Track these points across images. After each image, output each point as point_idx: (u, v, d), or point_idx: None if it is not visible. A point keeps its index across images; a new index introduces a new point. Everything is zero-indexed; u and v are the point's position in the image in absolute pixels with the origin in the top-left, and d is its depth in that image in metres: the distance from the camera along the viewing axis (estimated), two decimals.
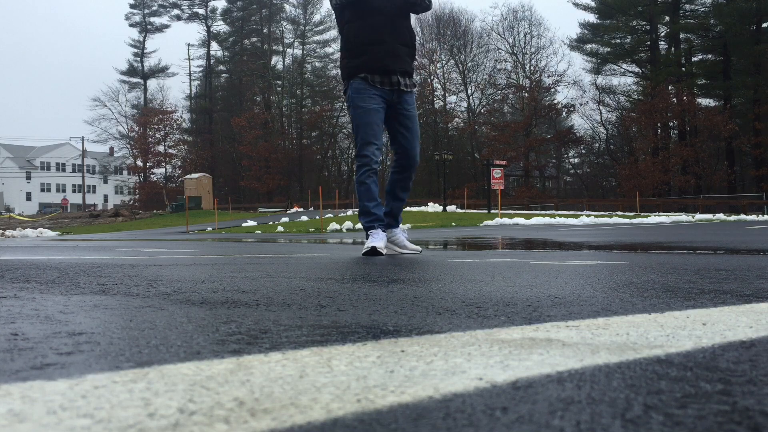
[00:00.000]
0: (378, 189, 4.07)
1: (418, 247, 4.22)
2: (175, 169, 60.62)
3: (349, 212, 25.25)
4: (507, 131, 45.09)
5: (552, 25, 68.32)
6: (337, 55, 45.54)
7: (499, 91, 48.10)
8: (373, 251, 3.71)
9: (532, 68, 47.95)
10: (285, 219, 25.44)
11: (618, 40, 46.95)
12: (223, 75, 64.48)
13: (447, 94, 49.67)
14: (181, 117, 60.37)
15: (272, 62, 58.01)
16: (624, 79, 49.52)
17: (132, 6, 64.81)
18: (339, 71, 4.35)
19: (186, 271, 2.23)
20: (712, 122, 39.63)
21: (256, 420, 0.47)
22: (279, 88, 57.05)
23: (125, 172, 72.40)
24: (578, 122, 67.09)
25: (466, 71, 48.73)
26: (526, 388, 0.57)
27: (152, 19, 65.04)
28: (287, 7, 58.67)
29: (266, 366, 0.66)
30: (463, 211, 26.73)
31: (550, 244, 5.44)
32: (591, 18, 49.44)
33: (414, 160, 4.13)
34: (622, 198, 38.84)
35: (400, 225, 4.26)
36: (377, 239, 3.82)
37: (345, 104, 4.19)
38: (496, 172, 23.35)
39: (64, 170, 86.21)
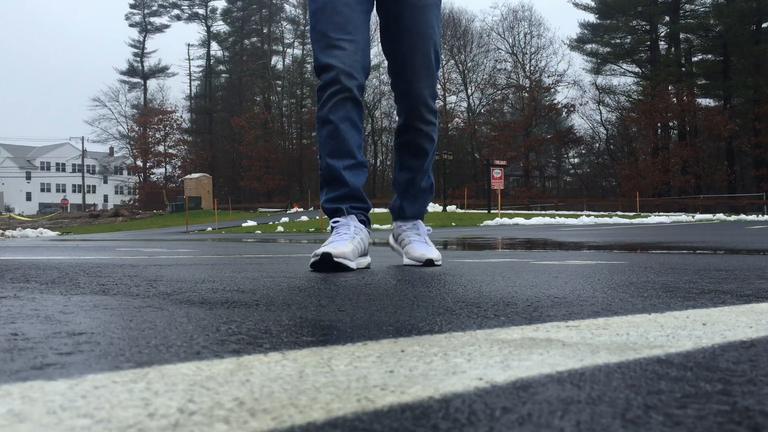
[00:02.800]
0: (361, 134, 2.33)
1: (434, 254, 2.46)
2: (175, 169, 60.67)
3: None
4: (507, 131, 45.12)
5: (552, 25, 68.42)
6: None
7: (499, 91, 48.13)
8: (326, 262, 2.06)
9: (532, 68, 47.99)
10: (285, 219, 25.46)
11: (618, 40, 46.97)
12: (223, 75, 64.54)
13: (447, 94, 49.71)
14: (181, 117, 60.44)
15: (272, 62, 58.03)
16: (624, 79, 49.66)
17: (132, 6, 64.87)
18: None
19: (186, 271, 2.23)
20: (712, 122, 39.65)
21: (256, 420, 0.47)
22: (279, 88, 57.05)
23: (125, 172, 72.47)
24: (578, 122, 67.18)
25: (466, 71, 48.77)
26: (526, 388, 0.57)
27: (152, 19, 65.13)
28: (287, 7, 58.74)
29: (266, 366, 0.66)
30: (463, 211, 26.76)
31: (550, 244, 5.44)
32: (591, 18, 49.53)
33: (410, 91, 2.36)
34: (622, 198, 38.87)
35: (414, 221, 2.60)
36: (338, 241, 2.16)
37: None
38: (496, 172, 23.38)
39: (64, 170, 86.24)
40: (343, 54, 2.20)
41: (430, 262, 2.43)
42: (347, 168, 2.27)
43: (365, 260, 2.32)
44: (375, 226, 17.84)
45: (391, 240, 2.72)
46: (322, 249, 2.10)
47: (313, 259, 2.11)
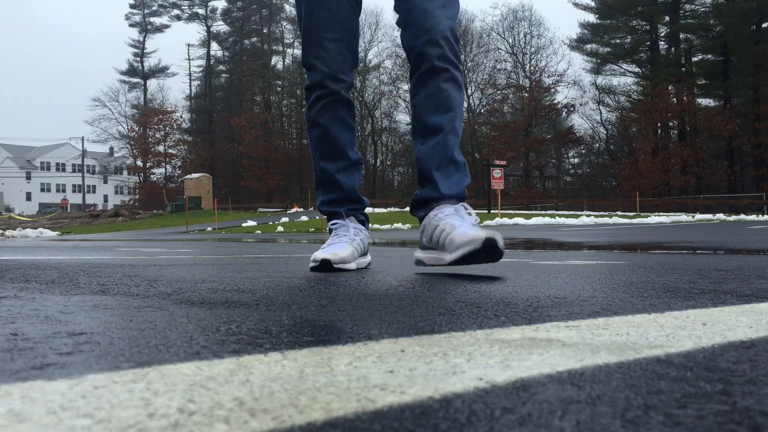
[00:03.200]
0: (353, 131, 2.23)
1: (495, 233, 1.79)
2: (175, 169, 60.73)
3: None
4: (507, 131, 45.14)
5: (552, 25, 68.42)
6: None
7: (499, 91, 48.16)
8: (325, 266, 2.02)
9: (532, 68, 48.00)
10: (285, 219, 25.46)
11: (618, 40, 47.02)
12: (223, 75, 64.59)
13: None
14: (181, 117, 60.49)
15: (272, 62, 58.05)
16: (624, 79, 49.69)
17: (132, 6, 64.92)
18: None
19: (186, 271, 2.23)
20: (712, 122, 39.70)
21: (256, 420, 0.47)
22: (279, 88, 57.06)
23: (125, 172, 72.55)
24: (578, 122, 67.23)
25: (465, 71, 48.74)
26: (526, 388, 0.57)
27: (152, 19, 65.20)
28: (287, 7, 58.75)
29: (266, 366, 0.66)
30: None
31: (550, 244, 5.44)
32: (591, 18, 49.57)
33: (427, 22, 1.95)
34: (622, 198, 38.89)
35: (447, 202, 2.00)
36: (338, 243, 2.12)
37: None
38: (496, 172, 23.37)
39: (64, 170, 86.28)
40: (327, 56, 2.11)
41: (491, 245, 1.76)
42: (341, 170, 2.23)
43: (365, 259, 2.28)
44: (375, 225, 17.82)
45: (420, 253, 2.07)
46: (321, 254, 2.06)
47: (312, 265, 2.08)
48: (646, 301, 1.24)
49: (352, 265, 2.12)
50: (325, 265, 2.03)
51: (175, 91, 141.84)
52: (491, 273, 2.04)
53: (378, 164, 49.53)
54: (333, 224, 2.25)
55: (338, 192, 2.24)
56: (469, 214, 2.01)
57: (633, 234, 8.24)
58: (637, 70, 47.81)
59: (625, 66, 47.79)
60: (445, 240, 1.89)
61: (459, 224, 1.90)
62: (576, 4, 46.80)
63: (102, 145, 75.63)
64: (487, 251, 1.79)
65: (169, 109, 58.67)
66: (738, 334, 0.86)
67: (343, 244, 2.13)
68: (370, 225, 2.37)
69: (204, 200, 40.03)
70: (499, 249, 1.78)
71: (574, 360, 0.69)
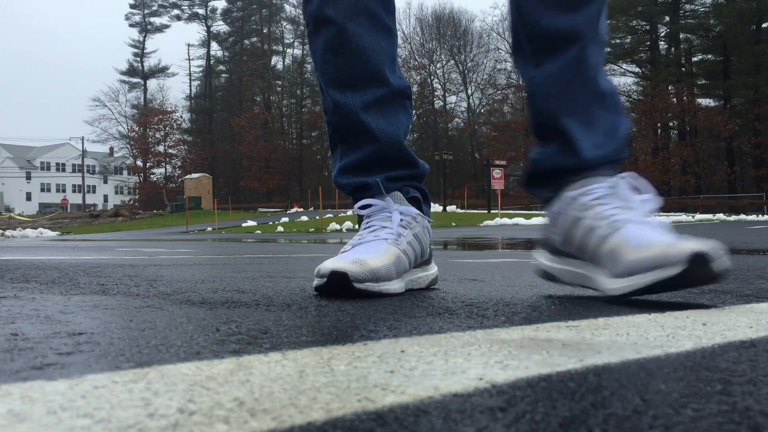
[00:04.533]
0: (392, 43, 1.32)
1: (703, 244, 1.01)
2: (175, 169, 60.76)
3: (349, 212, 25.25)
4: (507, 131, 45.19)
5: None
6: None
7: (499, 91, 48.21)
8: (336, 285, 1.20)
9: None
10: (285, 219, 25.48)
11: (618, 40, 47.04)
12: (223, 75, 64.62)
13: (447, 94, 49.79)
14: (181, 117, 60.55)
15: (272, 62, 58.08)
16: (624, 79, 49.61)
17: (132, 6, 64.97)
18: None
19: (186, 271, 2.23)
20: (712, 122, 39.72)
21: (256, 420, 0.47)
22: (279, 88, 57.07)
23: (125, 172, 72.58)
24: None
25: (466, 71, 48.83)
26: (526, 388, 0.57)
27: (152, 19, 65.26)
28: (287, 7, 58.81)
29: (266, 366, 0.66)
30: (463, 211, 26.77)
31: None
32: None
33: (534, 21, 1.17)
34: None
35: (595, 173, 1.20)
36: (367, 243, 1.27)
37: None
38: (496, 172, 23.39)
39: (64, 170, 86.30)
40: None
41: (698, 261, 1.00)
42: (371, 105, 1.30)
43: (427, 273, 1.43)
44: None
45: (549, 260, 1.33)
46: (331, 264, 1.22)
47: (316, 282, 1.27)
48: (646, 301, 1.24)
49: (396, 285, 1.29)
50: (336, 282, 1.20)
51: (175, 91, 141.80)
52: (491, 273, 2.04)
53: None
54: (362, 207, 1.35)
55: (368, 146, 1.33)
56: (640, 192, 1.20)
57: None
58: (637, 70, 47.83)
59: (625, 66, 47.82)
60: (603, 249, 1.15)
61: (628, 219, 1.14)
62: None
63: (102, 145, 75.49)
64: (693, 277, 1.04)
65: (169, 109, 58.74)
66: (738, 334, 0.86)
67: (376, 244, 1.27)
68: (431, 209, 1.49)
69: (204, 200, 40.03)
70: (713, 272, 1.03)
71: (575, 360, 0.69)
